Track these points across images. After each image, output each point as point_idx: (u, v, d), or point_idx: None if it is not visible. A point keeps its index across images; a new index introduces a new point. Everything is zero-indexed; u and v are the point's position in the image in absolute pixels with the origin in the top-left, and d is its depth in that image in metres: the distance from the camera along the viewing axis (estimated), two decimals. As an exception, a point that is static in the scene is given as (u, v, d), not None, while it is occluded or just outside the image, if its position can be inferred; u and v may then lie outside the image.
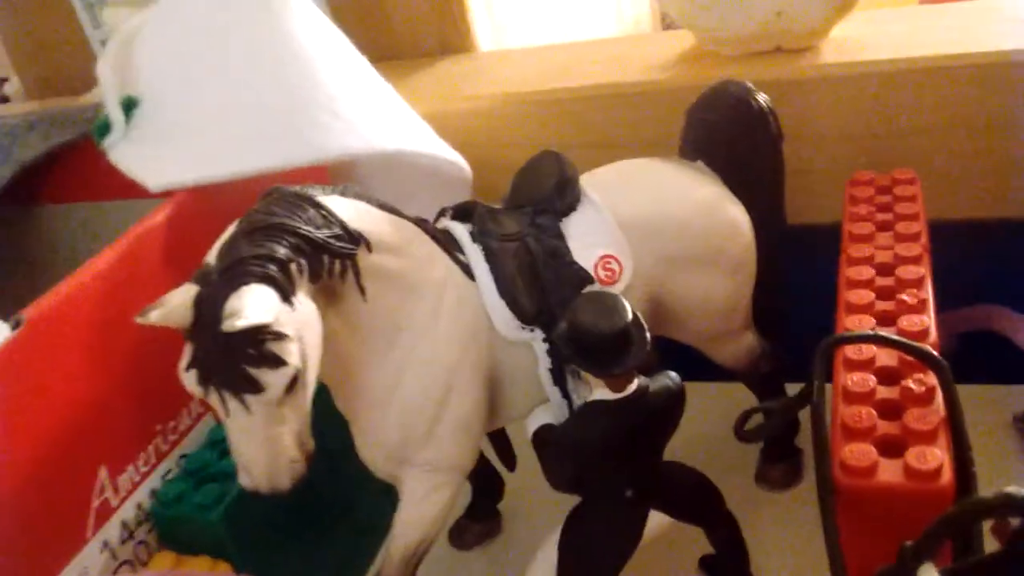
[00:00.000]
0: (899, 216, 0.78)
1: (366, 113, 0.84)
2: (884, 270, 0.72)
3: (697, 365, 0.82)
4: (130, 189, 0.78)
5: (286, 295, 0.56)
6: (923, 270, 0.71)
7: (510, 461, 0.86)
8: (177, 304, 0.55)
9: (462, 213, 0.73)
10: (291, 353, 0.55)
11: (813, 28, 0.93)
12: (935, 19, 0.97)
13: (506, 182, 1.05)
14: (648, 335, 0.61)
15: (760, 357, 0.83)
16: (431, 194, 0.95)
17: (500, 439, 0.85)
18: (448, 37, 1.17)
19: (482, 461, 0.85)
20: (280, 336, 0.54)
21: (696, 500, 0.70)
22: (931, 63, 0.88)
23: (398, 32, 1.18)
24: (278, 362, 0.54)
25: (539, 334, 0.70)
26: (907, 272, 0.71)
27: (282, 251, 0.57)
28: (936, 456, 0.54)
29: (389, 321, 0.65)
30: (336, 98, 0.83)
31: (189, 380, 0.56)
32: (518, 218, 0.72)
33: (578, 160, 1.01)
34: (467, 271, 0.70)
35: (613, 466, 0.64)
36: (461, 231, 0.72)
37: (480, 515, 0.89)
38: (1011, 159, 0.88)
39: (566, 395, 0.71)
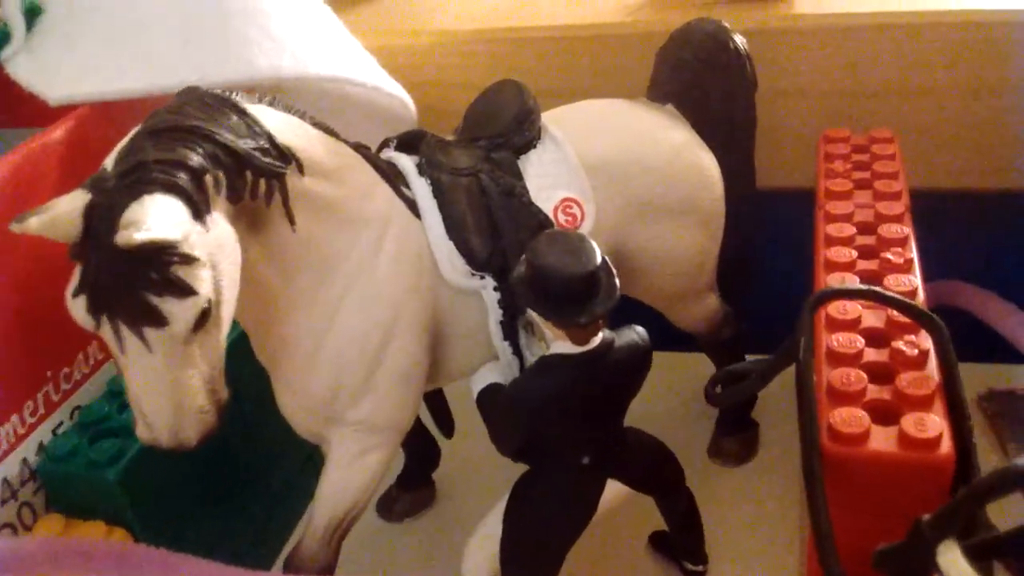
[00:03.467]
0: (878, 174, 0.73)
1: (302, 34, 0.75)
2: (865, 228, 0.67)
3: (652, 333, 0.77)
4: (36, 116, 0.68)
5: (198, 212, 0.47)
6: (907, 228, 0.66)
7: (448, 426, 0.78)
8: (64, 211, 0.45)
9: (408, 144, 0.65)
10: (201, 280, 0.46)
11: (790, -25, 0.87)
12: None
13: (446, 125, 0.97)
14: (617, 281, 0.54)
15: (722, 321, 0.78)
16: (370, 135, 0.87)
17: (437, 401, 0.78)
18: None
19: (417, 425, 0.77)
20: (189, 259, 0.45)
21: (655, 469, 0.64)
22: (913, 19, 0.83)
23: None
24: (186, 290, 0.45)
25: (490, 281, 0.62)
26: (890, 231, 0.65)
27: (195, 159, 0.48)
28: (935, 423, 0.48)
29: (321, 257, 0.57)
30: (269, 14, 0.74)
31: (77, 308, 0.47)
32: (471, 152, 0.65)
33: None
34: (412, 207, 0.62)
35: (570, 428, 0.57)
36: (407, 163, 0.64)
37: (412, 484, 0.82)
38: (996, 126, 0.84)
39: (517, 352, 0.64)
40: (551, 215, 0.64)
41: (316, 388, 0.59)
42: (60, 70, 0.69)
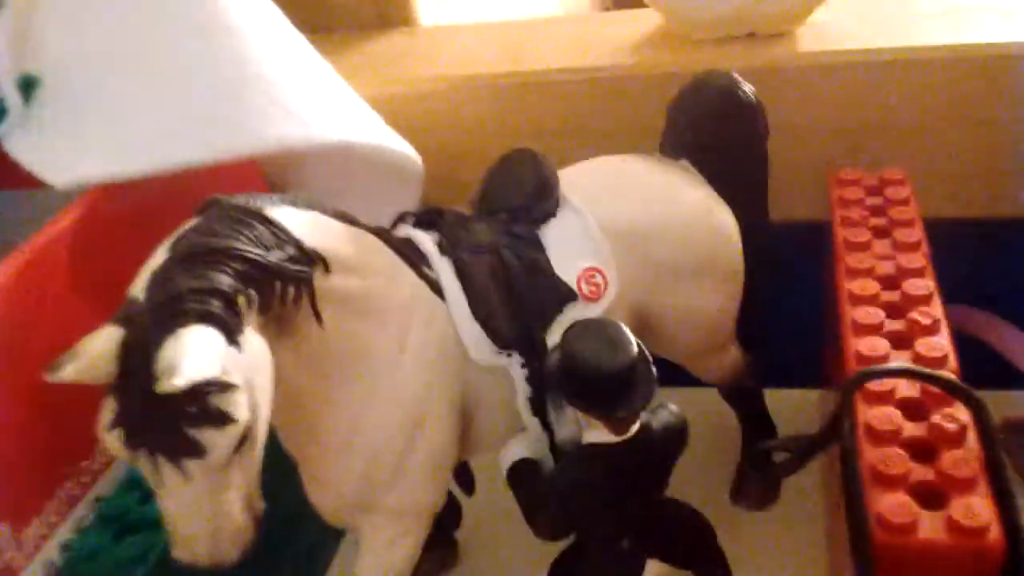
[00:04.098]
0: (895, 222, 0.72)
1: (307, 98, 0.74)
2: (888, 283, 0.66)
3: (663, 369, 0.76)
4: (31, 178, 0.66)
5: (232, 335, 0.46)
6: (931, 284, 0.65)
7: (468, 483, 0.77)
8: (98, 353, 0.44)
9: (427, 220, 0.64)
10: (240, 406, 0.45)
11: (792, 12, 0.86)
12: (913, 4, 0.91)
13: (457, 170, 0.96)
14: (653, 368, 0.54)
15: (744, 371, 0.77)
16: (378, 187, 0.86)
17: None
18: (386, 8, 1.06)
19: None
20: (227, 388, 0.44)
21: (694, 542, 0.63)
22: (912, 55, 0.83)
23: (330, 1, 1.06)
24: (225, 419, 0.44)
25: (517, 358, 0.62)
26: (914, 286, 0.65)
27: (227, 281, 0.46)
28: (982, 509, 0.48)
29: (349, 350, 0.56)
30: (273, 81, 0.72)
31: (113, 441, 0.45)
32: (491, 226, 0.64)
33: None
34: (435, 288, 0.61)
35: (610, 514, 0.56)
36: (427, 241, 0.63)
37: (434, 544, 0.80)
38: (1001, 157, 0.84)
39: (546, 425, 0.63)
40: (574, 286, 0.63)
41: (346, 482, 0.58)
42: (63, 149, 0.67)
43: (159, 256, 0.48)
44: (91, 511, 0.64)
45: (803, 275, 0.89)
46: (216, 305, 0.45)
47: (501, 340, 0.61)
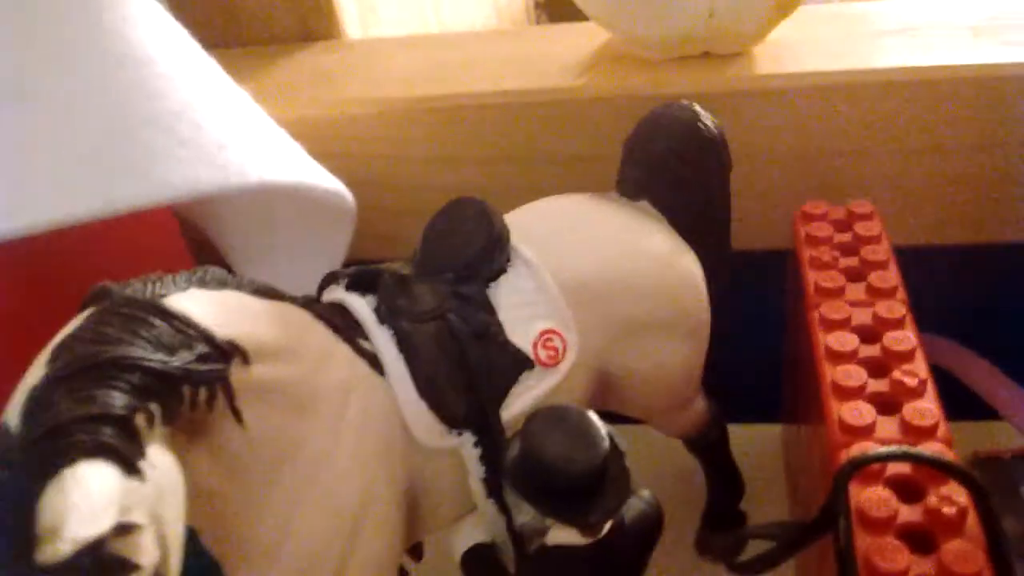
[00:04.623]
0: (868, 263, 0.67)
1: (219, 134, 0.66)
2: (867, 335, 0.61)
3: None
4: None
5: (131, 464, 0.38)
6: (913, 336, 0.61)
7: (416, 549, 0.71)
8: None
9: (362, 282, 0.57)
10: (144, 548, 0.37)
11: (749, 31, 0.81)
12: (872, 22, 0.87)
13: (386, 199, 0.89)
14: (626, 462, 0.47)
15: (710, 423, 0.72)
16: (306, 223, 0.78)
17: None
18: (309, 19, 0.98)
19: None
20: (126, 530, 0.36)
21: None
22: (879, 76, 0.78)
23: (244, 10, 0.98)
24: (127, 569, 0.36)
25: (468, 438, 0.55)
26: (896, 341, 0.60)
27: (120, 402, 0.38)
28: (995, 616, 0.43)
29: (275, 449, 0.48)
30: (180, 116, 0.64)
31: None
32: (436, 288, 0.57)
33: (474, 178, 0.87)
34: (373, 362, 0.54)
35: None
36: (363, 308, 0.55)
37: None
38: (970, 183, 0.80)
39: (503, 507, 0.56)
40: (530, 351, 0.57)
41: (280, 594, 0.51)
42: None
43: (37, 371, 0.39)
44: None
45: (759, 305, 0.85)
46: (108, 434, 0.37)
47: (451, 419, 0.54)
